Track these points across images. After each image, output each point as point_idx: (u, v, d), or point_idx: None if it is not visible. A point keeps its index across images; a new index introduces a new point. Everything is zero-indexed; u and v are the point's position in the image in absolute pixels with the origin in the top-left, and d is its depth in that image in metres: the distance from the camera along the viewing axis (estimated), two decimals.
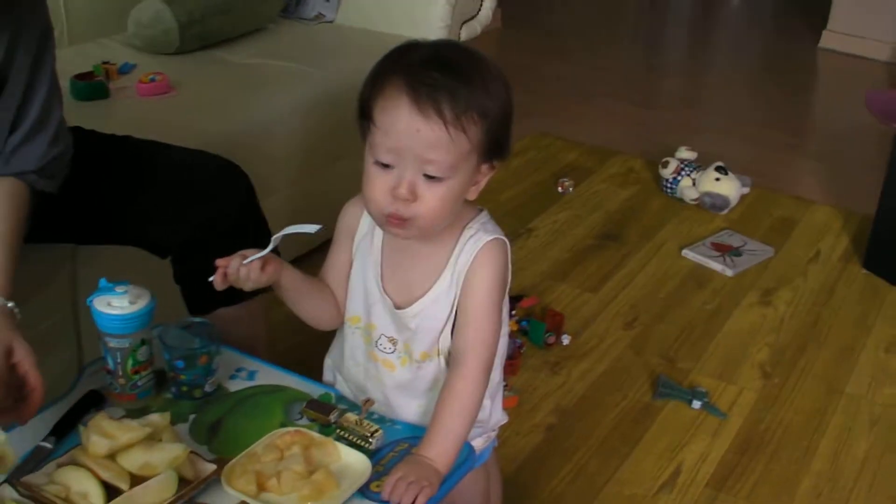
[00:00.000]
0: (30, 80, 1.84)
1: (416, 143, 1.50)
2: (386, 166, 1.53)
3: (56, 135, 1.90)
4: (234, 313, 2.10)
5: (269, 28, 3.54)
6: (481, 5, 3.66)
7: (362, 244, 1.72)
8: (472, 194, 1.61)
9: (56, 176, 1.93)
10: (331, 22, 3.66)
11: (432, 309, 1.66)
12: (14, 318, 1.69)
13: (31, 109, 1.85)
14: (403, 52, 1.57)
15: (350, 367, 1.78)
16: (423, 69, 1.51)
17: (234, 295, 2.12)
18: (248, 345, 1.96)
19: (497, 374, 1.76)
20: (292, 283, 1.69)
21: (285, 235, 1.62)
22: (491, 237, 1.64)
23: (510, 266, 1.69)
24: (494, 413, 1.81)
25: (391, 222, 1.56)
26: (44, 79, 1.87)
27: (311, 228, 1.59)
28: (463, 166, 1.54)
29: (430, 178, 1.52)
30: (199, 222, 2.06)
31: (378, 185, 1.55)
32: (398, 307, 1.68)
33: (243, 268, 1.60)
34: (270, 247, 1.62)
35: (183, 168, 2.13)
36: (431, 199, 1.53)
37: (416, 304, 1.67)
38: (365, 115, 1.56)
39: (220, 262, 1.61)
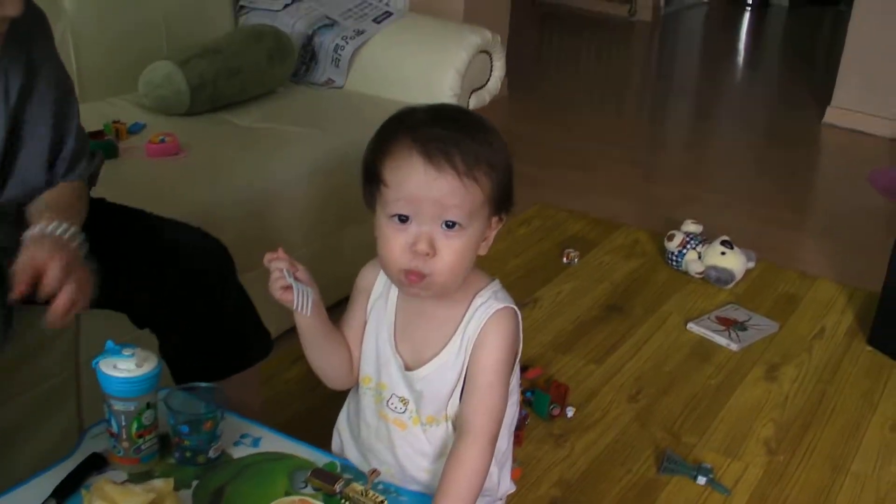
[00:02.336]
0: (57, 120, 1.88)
1: (433, 192, 1.50)
2: (402, 222, 1.53)
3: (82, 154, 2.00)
4: (224, 386, 2.09)
5: (278, 92, 3.56)
6: (490, 75, 3.68)
7: (377, 305, 1.72)
8: (483, 249, 1.62)
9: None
10: (340, 88, 3.67)
11: (440, 373, 1.66)
12: (61, 241, 1.76)
13: (65, 146, 1.89)
14: (404, 116, 1.60)
15: (362, 428, 1.77)
16: (429, 127, 1.53)
17: (220, 369, 2.13)
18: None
19: (505, 442, 1.75)
20: (309, 325, 1.68)
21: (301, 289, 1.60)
22: (501, 306, 1.64)
23: (521, 336, 1.68)
24: (503, 482, 1.80)
25: (410, 279, 1.56)
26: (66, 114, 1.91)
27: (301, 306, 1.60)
28: (478, 216, 1.55)
29: (449, 228, 1.52)
30: (177, 299, 2.06)
31: (394, 242, 1.55)
32: (408, 368, 1.68)
33: (275, 272, 1.59)
34: (300, 286, 1.60)
35: (163, 242, 2.12)
36: (449, 254, 1.53)
37: (424, 367, 1.67)
38: (373, 179, 1.57)
39: (282, 253, 1.61)
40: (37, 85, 1.84)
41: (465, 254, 1.55)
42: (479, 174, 1.52)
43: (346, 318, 1.77)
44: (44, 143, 1.87)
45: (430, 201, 1.51)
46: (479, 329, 1.63)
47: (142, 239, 2.10)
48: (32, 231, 1.76)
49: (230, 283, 2.16)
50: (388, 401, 1.71)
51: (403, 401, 1.70)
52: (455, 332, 1.65)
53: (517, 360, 1.70)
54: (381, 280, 1.73)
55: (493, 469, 1.71)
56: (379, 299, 1.73)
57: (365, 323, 1.75)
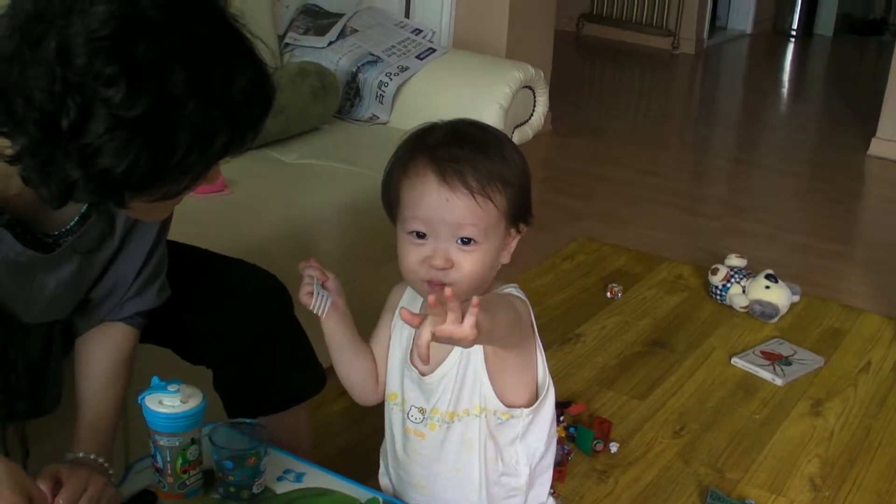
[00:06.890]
0: (159, 231, 1.87)
1: (448, 212, 1.56)
2: (419, 237, 1.59)
3: (164, 283, 1.93)
4: (276, 420, 2.10)
5: (323, 128, 3.58)
6: (533, 110, 3.70)
7: (400, 321, 1.76)
8: (506, 258, 1.67)
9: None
10: (384, 124, 3.70)
11: (457, 368, 1.69)
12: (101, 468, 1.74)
13: (152, 259, 1.87)
14: (422, 135, 1.65)
15: (389, 444, 1.83)
16: (444, 146, 1.58)
17: (275, 403, 2.16)
18: (291, 451, 1.96)
19: (547, 476, 1.79)
20: (333, 331, 1.75)
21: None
22: (504, 290, 1.69)
23: (532, 314, 1.70)
24: (536, 488, 1.82)
25: (433, 287, 1.59)
26: (166, 229, 1.90)
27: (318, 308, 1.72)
28: (494, 232, 1.60)
29: (464, 243, 1.57)
30: (237, 335, 2.07)
31: (412, 255, 1.61)
32: (423, 374, 1.72)
33: (305, 278, 1.72)
34: (321, 291, 1.72)
35: (222, 279, 2.13)
36: (467, 265, 1.58)
37: (439, 368, 1.71)
38: (392, 198, 1.64)
39: (314, 262, 1.74)
40: None
41: (483, 264, 1.60)
42: (492, 192, 1.57)
43: (373, 334, 1.84)
44: (139, 258, 1.85)
45: (444, 222, 1.56)
46: None
47: (201, 276, 2.11)
48: (73, 457, 1.76)
49: (289, 319, 2.18)
50: (408, 413, 1.76)
51: (421, 410, 1.74)
52: None
53: (535, 328, 1.71)
54: (406, 298, 1.78)
55: (524, 469, 1.76)
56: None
57: (390, 339, 1.80)
